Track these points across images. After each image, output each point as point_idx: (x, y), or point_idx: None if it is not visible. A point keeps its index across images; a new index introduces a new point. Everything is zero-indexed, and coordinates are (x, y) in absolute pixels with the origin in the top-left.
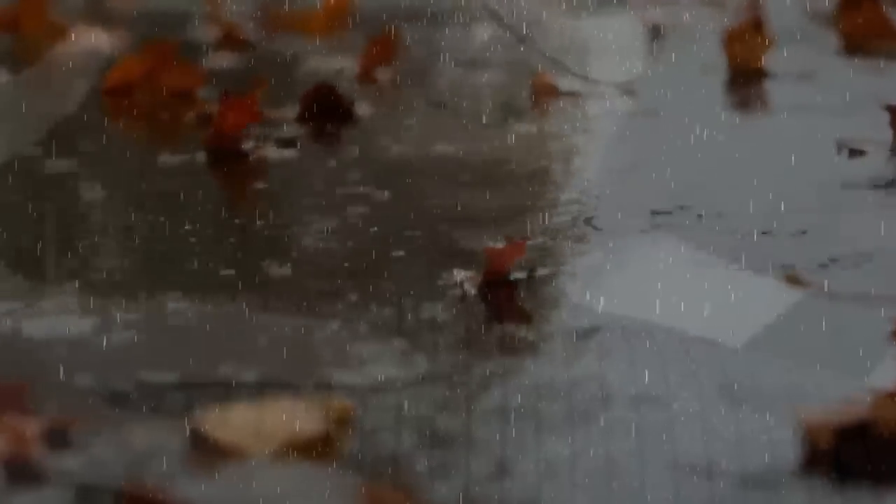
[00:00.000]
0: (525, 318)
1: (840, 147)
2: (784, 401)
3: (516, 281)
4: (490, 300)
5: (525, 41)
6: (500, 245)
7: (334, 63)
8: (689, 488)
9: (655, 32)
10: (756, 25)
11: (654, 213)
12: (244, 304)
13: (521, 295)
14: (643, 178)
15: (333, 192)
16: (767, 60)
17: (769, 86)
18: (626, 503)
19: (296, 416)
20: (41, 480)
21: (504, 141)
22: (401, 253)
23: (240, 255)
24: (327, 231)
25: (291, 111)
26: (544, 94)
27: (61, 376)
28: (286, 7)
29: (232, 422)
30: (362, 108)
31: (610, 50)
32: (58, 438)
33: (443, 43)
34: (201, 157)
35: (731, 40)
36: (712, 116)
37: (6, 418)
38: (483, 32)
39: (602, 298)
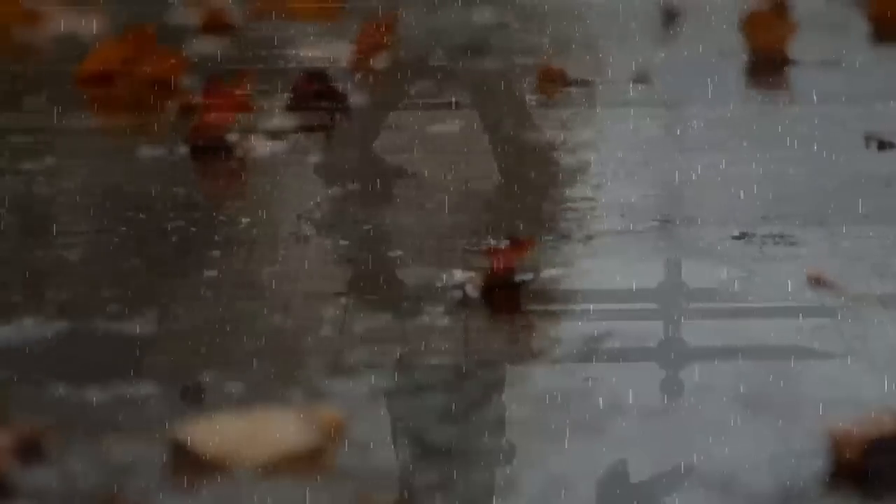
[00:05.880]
0: (529, 322)
1: (868, 140)
2: (807, 410)
3: (520, 283)
4: (493, 303)
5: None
6: (503, 245)
7: (326, 49)
8: None
9: (671, 16)
10: (779, 9)
11: (667, 211)
12: (230, 307)
13: (525, 298)
14: (655, 175)
15: (326, 187)
16: (790, 47)
17: (792, 74)
18: None
19: (285, 427)
20: (12, 495)
21: (507, 134)
22: (398, 253)
23: (225, 255)
24: (319, 229)
25: (280, 101)
26: (551, 82)
27: (34, 385)
28: None
29: (217, 433)
30: (356, 98)
31: (622, 34)
32: (30, 451)
33: (441, 28)
34: (183, 150)
35: (752, 25)
36: (731, 107)
37: None
38: (484, 16)
39: (610, 301)
